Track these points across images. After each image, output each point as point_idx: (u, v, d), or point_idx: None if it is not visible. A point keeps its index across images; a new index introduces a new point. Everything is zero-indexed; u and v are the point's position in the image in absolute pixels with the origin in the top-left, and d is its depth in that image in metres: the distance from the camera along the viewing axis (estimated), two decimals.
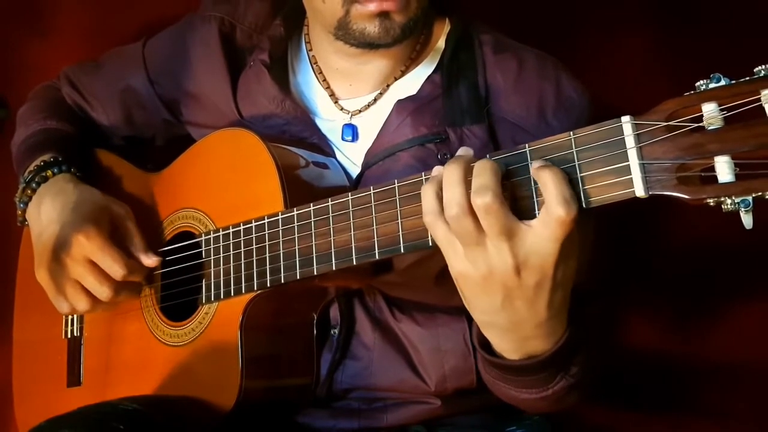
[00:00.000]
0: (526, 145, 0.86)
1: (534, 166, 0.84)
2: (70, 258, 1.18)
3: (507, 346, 0.95)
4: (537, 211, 0.84)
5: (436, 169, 0.89)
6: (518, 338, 0.92)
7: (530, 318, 0.89)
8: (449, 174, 0.85)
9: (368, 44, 1.13)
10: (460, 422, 1.27)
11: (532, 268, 0.84)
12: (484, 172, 0.83)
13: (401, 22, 1.11)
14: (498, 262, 0.84)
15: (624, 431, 1.58)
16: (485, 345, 0.98)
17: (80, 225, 1.18)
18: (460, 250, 0.86)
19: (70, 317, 1.37)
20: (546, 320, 0.89)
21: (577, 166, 0.82)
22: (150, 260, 1.23)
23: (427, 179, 0.92)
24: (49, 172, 1.29)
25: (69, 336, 1.36)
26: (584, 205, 0.81)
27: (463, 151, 0.89)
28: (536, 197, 0.84)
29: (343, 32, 1.13)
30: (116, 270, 1.17)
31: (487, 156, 0.88)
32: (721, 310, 1.60)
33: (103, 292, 1.18)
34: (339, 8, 1.10)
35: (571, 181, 0.82)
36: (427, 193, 0.87)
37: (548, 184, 0.81)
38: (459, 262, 0.87)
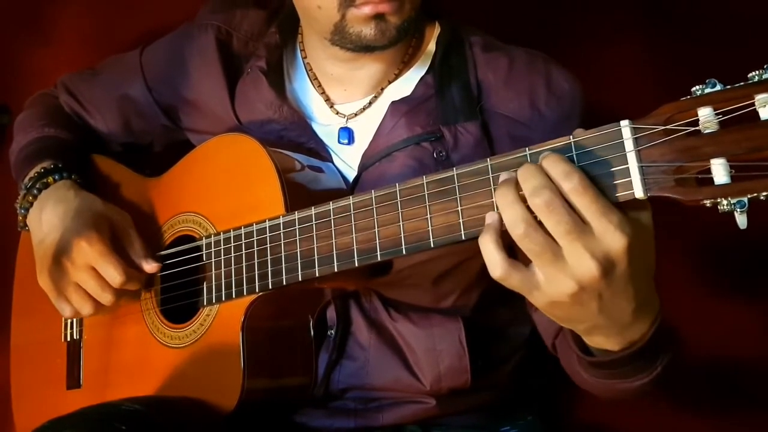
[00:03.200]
0: (526, 148, 0.86)
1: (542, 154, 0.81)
2: (72, 263, 1.18)
3: (612, 341, 0.90)
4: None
5: (489, 216, 0.84)
6: (620, 330, 0.88)
7: (627, 308, 0.84)
8: (501, 198, 0.81)
9: (364, 47, 1.13)
10: (454, 422, 1.27)
11: (617, 261, 0.79)
12: (531, 177, 0.80)
13: (396, 23, 1.11)
14: (583, 274, 0.79)
15: (615, 431, 1.58)
16: (582, 349, 0.95)
17: (82, 231, 1.18)
18: (542, 281, 0.81)
19: (69, 320, 1.36)
20: (641, 304, 0.85)
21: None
22: (150, 266, 1.22)
23: (429, 183, 0.92)
24: (50, 179, 1.28)
25: (68, 339, 1.35)
26: None
27: (505, 175, 0.84)
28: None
29: (340, 36, 1.13)
30: (115, 277, 1.17)
31: (488, 160, 0.88)
32: (714, 309, 1.60)
33: (105, 297, 1.18)
34: (335, 13, 1.11)
35: None
36: (489, 247, 0.82)
37: (550, 167, 0.79)
38: (543, 291, 0.82)
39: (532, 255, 0.80)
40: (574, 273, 0.79)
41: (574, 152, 0.83)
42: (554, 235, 0.79)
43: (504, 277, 0.81)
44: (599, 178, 0.80)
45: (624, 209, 0.80)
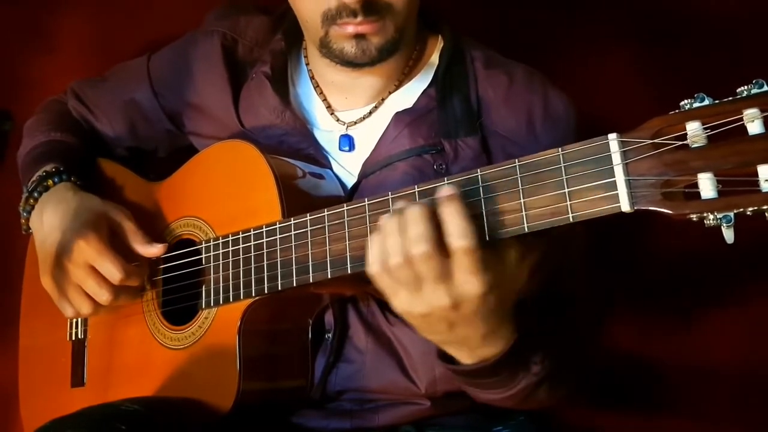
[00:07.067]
0: (516, 160, 0.85)
1: (442, 194, 0.85)
2: (72, 263, 1.16)
3: (464, 355, 0.97)
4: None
5: (383, 219, 0.89)
6: (470, 349, 0.95)
7: (475, 334, 0.91)
8: (388, 224, 0.87)
9: (348, 63, 1.12)
10: (448, 422, 1.25)
11: (466, 303, 0.86)
12: (417, 222, 0.84)
13: (378, 43, 1.10)
14: (436, 304, 0.86)
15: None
16: (446, 356, 1.00)
17: (80, 231, 1.17)
18: (403, 295, 0.88)
19: (74, 320, 1.35)
20: (489, 333, 0.92)
21: (565, 180, 0.81)
22: (154, 249, 1.21)
23: (420, 191, 0.91)
24: (50, 182, 1.27)
25: (73, 338, 1.35)
26: (572, 219, 0.81)
27: (401, 203, 0.89)
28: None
29: (326, 51, 1.13)
30: (114, 273, 1.16)
31: (478, 171, 0.87)
32: (702, 314, 1.59)
33: (102, 295, 1.17)
34: (319, 29, 1.10)
35: (559, 195, 0.81)
36: (374, 243, 0.88)
37: (449, 216, 0.83)
38: (401, 304, 0.89)
39: (398, 282, 0.87)
40: (430, 302, 0.86)
41: (562, 164, 0.81)
42: (423, 275, 0.85)
43: (377, 276, 0.88)
44: (585, 191, 0.79)
45: (501, 254, 0.87)
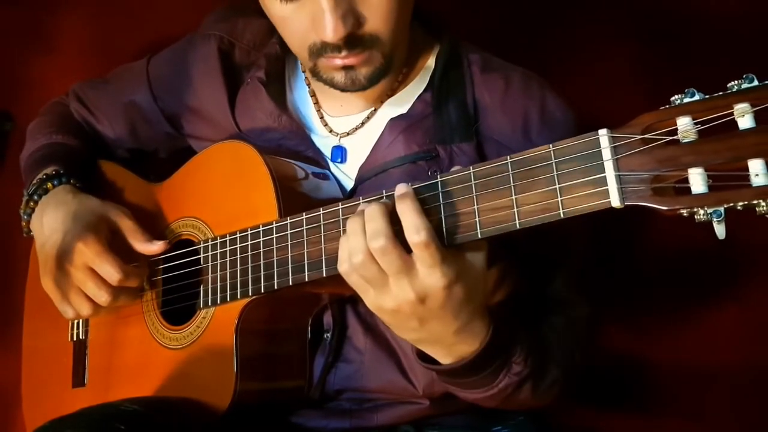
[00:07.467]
0: (508, 157, 0.85)
1: (398, 192, 0.88)
2: (71, 265, 1.17)
3: (440, 353, 0.98)
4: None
5: (349, 220, 0.91)
6: (445, 346, 0.97)
7: (447, 330, 0.93)
8: (350, 225, 0.89)
9: (339, 89, 1.12)
10: (447, 422, 1.25)
11: (431, 296, 0.88)
12: (374, 218, 0.87)
13: (366, 73, 1.09)
14: (402, 298, 0.88)
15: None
16: (426, 357, 1.01)
17: (79, 233, 1.17)
18: (371, 291, 0.90)
19: (76, 321, 1.35)
20: (462, 328, 0.93)
21: (555, 176, 0.81)
22: (154, 247, 1.21)
23: (415, 189, 0.91)
24: (50, 185, 1.28)
25: (75, 339, 1.35)
26: (562, 216, 0.80)
27: (363, 206, 0.92)
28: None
29: (316, 78, 1.13)
30: (113, 275, 1.16)
31: (470, 168, 0.87)
32: (698, 313, 1.59)
33: (102, 296, 1.17)
34: (307, 60, 1.10)
35: (550, 191, 0.81)
36: (342, 243, 0.91)
37: (402, 214, 0.86)
38: (371, 301, 0.92)
39: (365, 279, 0.89)
40: (396, 297, 0.89)
41: (553, 160, 0.81)
42: (385, 270, 0.88)
43: (347, 275, 0.91)
44: (577, 187, 0.78)
45: (462, 250, 0.89)
